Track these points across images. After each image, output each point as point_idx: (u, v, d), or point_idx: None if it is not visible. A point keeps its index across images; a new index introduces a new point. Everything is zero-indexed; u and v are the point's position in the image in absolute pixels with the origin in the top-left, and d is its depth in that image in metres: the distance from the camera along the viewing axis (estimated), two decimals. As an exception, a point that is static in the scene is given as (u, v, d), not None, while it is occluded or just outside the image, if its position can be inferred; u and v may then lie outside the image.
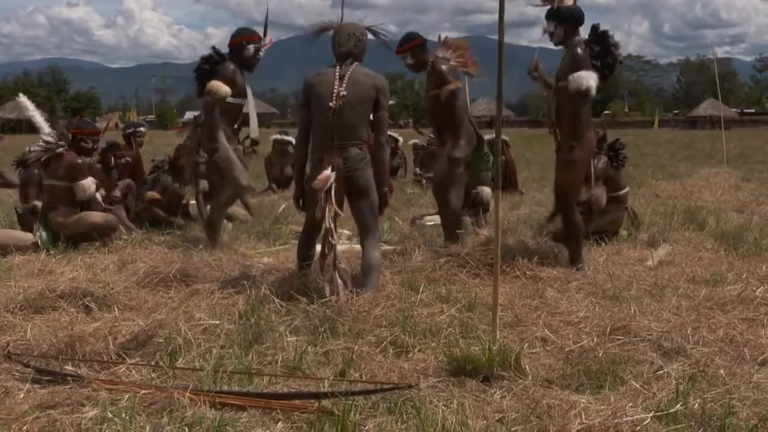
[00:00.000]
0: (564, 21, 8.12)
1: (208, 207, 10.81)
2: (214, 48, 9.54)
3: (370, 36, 7.53)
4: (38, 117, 10.67)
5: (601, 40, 8.08)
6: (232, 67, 9.28)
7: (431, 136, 9.99)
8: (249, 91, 9.58)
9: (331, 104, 6.97)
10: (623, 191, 10.19)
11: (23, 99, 11.18)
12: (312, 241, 7.46)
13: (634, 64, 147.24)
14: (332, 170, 6.89)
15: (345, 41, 7.22)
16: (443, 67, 8.98)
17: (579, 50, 8.01)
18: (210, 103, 9.09)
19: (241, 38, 9.55)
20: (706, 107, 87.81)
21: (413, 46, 9.17)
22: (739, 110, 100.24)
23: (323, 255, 6.95)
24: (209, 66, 9.29)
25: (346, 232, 9.86)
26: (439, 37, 9.51)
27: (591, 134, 8.23)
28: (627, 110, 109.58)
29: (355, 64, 7.18)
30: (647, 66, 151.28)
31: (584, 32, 8.25)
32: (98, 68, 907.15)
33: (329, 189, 6.89)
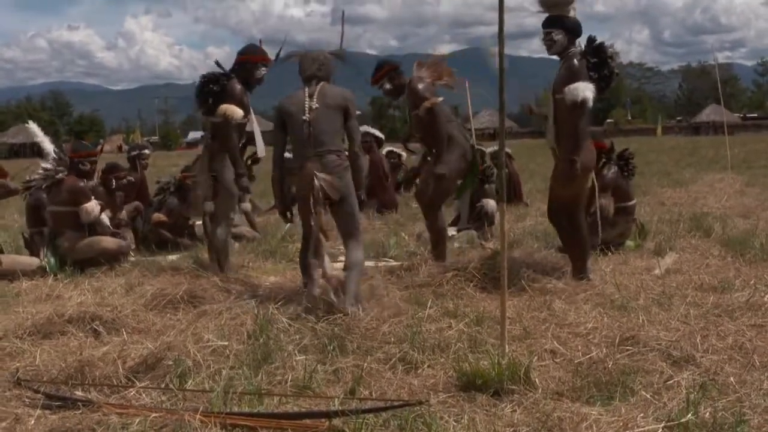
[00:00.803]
0: (568, 31, 8.13)
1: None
2: (217, 63, 9.35)
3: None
4: (47, 143, 10.69)
5: (597, 51, 8.06)
6: (239, 87, 9.10)
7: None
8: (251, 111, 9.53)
9: (304, 117, 7.39)
10: (632, 202, 10.18)
11: (32, 126, 11.20)
12: (309, 251, 7.57)
13: (635, 71, 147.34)
14: (316, 177, 7.21)
15: (309, 66, 7.69)
16: (419, 86, 9.08)
17: (575, 61, 7.98)
18: (225, 127, 9.00)
19: (256, 58, 9.26)
20: (709, 113, 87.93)
21: (387, 71, 9.24)
22: (741, 115, 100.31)
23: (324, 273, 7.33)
24: (218, 86, 9.11)
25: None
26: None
27: (590, 145, 8.22)
28: (630, 118, 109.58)
29: (322, 83, 7.59)
30: (649, 73, 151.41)
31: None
32: (100, 90, 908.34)
33: (317, 197, 7.21)
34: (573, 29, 8.15)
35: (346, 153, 7.54)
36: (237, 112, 8.93)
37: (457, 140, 9.09)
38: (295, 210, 7.86)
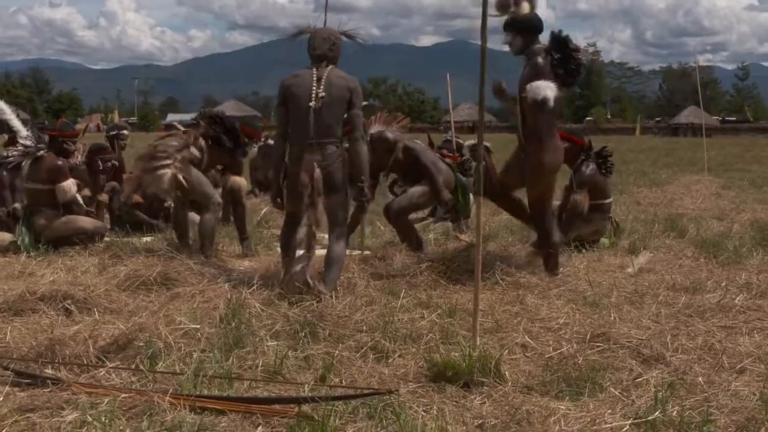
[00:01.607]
0: (521, 30, 8.13)
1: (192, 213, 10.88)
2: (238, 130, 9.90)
3: (347, 40, 7.80)
4: (15, 120, 10.60)
5: (560, 46, 8.04)
6: (241, 157, 10.20)
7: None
8: None
9: (311, 105, 7.29)
10: (608, 200, 10.22)
11: (0, 103, 11.11)
12: (293, 233, 7.64)
13: (616, 70, 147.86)
14: (317, 168, 7.24)
15: (320, 44, 7.52)
16: (385, 134, 9.43)
17: (539, 59, 7.96)
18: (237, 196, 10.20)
19: (250, 133, 10.06)
20: (688, 115, 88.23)
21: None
22: (720, 118, 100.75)
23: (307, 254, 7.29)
24: (238, 145, 9.81)
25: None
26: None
27: (557, 143, 8.21)
28: (609, 117, 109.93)
29: (330, 66, 7.49)
30: (629, 73, 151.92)
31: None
32: (80, 69, 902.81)
33: (316, 188, 7.22)
34: (526, 27, 8.15)
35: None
36: (244, 186, 10.40)
37: (439, 166, 9.22)
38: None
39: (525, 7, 8.21)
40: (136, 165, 9.45)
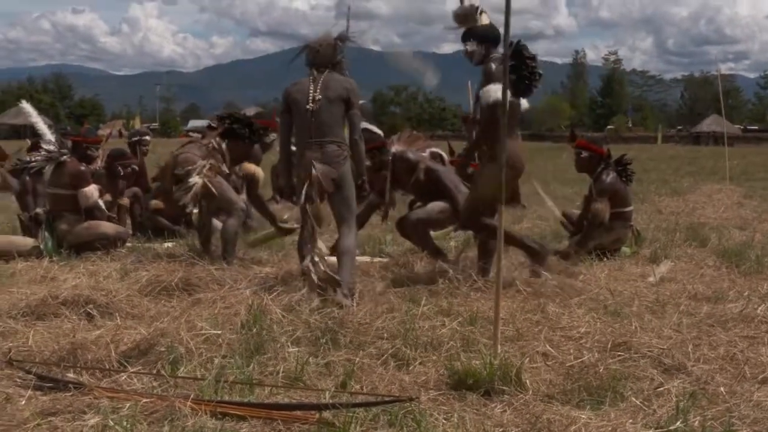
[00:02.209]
0: (481, 40, 8.15)
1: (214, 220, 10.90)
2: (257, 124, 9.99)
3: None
4: (41, 123, 10.69)
5: (516, 53, 7.99)
6: (260, 149, 10.16)
7: None
8: None
9: (308, 107, 7.61)
10: (629, 208, 10.18)
11: (26, 105, 11.18)
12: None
13: (638, 79, 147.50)
14: (313, 166, 7.49)
15: (314, 53, 7.88)
16: (407, 154, 9.43)
17: (492, 65, 7.96)
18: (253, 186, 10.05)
19: (270, 124, 10.21)
20: (710, 123, 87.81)
21: (371, 148, 9.25)
22: (742, 127, 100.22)
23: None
24: (254, 136, 9.85)
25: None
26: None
27: (513, 151, 8.04)
28: (630, 125, 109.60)
29: (327, 71, 7.82)
30: (651, 81, 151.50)
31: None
32: (102, 75, 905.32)
33: (312, 186, 7.49)
34: (485, 37, 8.15)
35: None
36: (262, 176, 10.10)
37: (460, 187, 9.19)
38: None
39: (484, 19, 8.25)
40: (163, 176, 9.52)
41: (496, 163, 7.91)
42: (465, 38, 8.25)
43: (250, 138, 9.76)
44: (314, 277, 7.27)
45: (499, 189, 8.11)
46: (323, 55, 7.83)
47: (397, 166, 9.21)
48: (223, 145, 9.46)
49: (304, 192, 7.52)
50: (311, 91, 7.64)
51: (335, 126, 7.67)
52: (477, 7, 8.28)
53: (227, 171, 9.52)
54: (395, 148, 9.42)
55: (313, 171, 7.43)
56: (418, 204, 9.76)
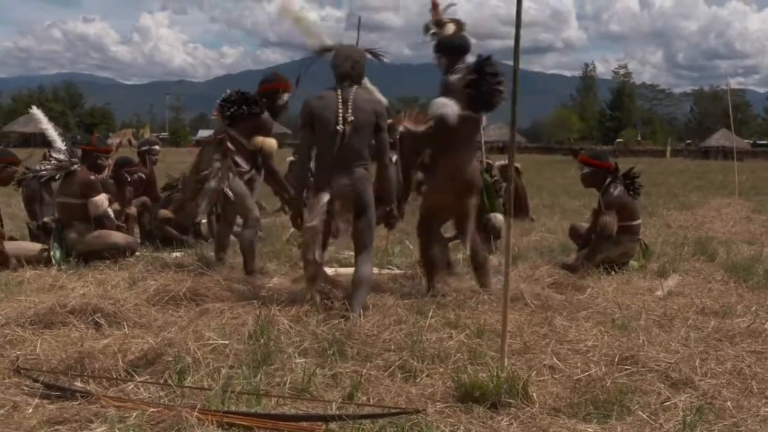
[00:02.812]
0: (444, 52, 8.16)
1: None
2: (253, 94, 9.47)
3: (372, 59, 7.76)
4: (51, 131, 10.70)
5: (477, 67, 7.93)
6: (270, 119, 9.41)
7: None
8: None
9: (338, 128, 7.18)
10: (637, 222, 10.16)
11: (36, 112, 11.18)
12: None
13: (647, 92, 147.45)
14: (333, 193, 7.19)
15: (342, 62, 7.44)
16: (417, 129, 9.12)
17: (451, 77, 7.96)
18: (267, 158, 9.40)
19: (277, 85, 9.50)
20: (719, 138, 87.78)
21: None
22: (751, 141, 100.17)
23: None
24: (258, 110, 9.29)
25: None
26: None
27: (456, 164, 8.02)
28: (639, 139, 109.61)
29: (355, 87, 7.40)
30: (661, 95, 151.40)
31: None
32: (113, 84, 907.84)
33: (326, 210, 7.20)
34: (446, 48, 8.16)
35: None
36: (274, 146, 9.32)
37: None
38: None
39: (450, 29, 8.28)
40: (185, 185, 9.51)
41: (436, 175, 7.95)
42: (434, 49, 8.28)
43: (252, 113, 9.28)
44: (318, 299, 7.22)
45: (439, 201, 8.12)
46: (358, 69, 7.48)
47: (405, 145, 9.10)
48: (233, 133, 9.22)
49: (320, 214, 7.19)
50: (341, 111, 7.22)
51: (363, 149, 7.33)
52: (438, 20, 8.33)
53: (246, 167, 9.33)
54: (402, 126, 9.34)
55: (340, 197, 7.17)
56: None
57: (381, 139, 7.43)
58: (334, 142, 7.21)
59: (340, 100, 7.25)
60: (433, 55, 8.26)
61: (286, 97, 9.48)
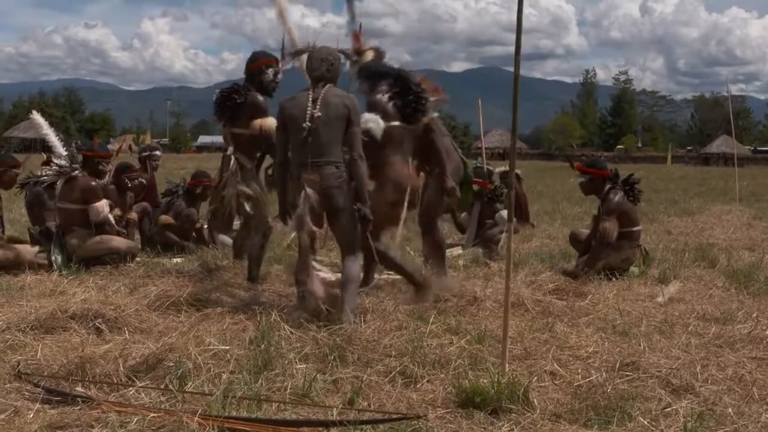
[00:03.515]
0: (366, 77, 8.41)
1: (221, 235, 10.95)
2: (235, 83, 9.35)
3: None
4: (52, 136, 10.69)
5: (400, 80, 8.17)
6: (260, 97, 9.17)
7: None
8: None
9: (305, 125, 7.19)
10: (637, 228, 10.15)
11: (37, 117, 11.16)
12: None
13: (648, 99, 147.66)
14: (310, 188, 7.14)
15: (318, 66, 7.46)
16: None
17: (377, 96, 8.17)
18: (259, 139, 9.13)
19: (261, 62, 9.33)
20: (720, 144, 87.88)
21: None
22: (752, 148, 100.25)
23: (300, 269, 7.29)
24: (241, 98, 9.15)
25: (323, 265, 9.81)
26: None
27: (398, 172, 8.13)
28: (640, 145, 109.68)
29: (328, 86, 7.41)
30: (661, 102, 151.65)
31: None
32: (113, 90, 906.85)
33: (307, 209, 7.13)
34: (367, 74, 8.40)
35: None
36: (272, 124, 8.97)
37: (452, 155, 9.08)
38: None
39: (368, 55, 8.61)
40: (215, 198, 9.47)
41: (377, 185, 8.04)
42: (356, 75, 8.54)
43: (237, 104, 9.15)
44: (314, 303, 7.11)
45: (387, 210, 8.15)
46: (334, 71, 7.52)
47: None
48: (236, 131, 9.15)
49: (296, 216, 7.22)
50: (309, 108, 7.25)
51: (334, 146, 7.27)
52: (357, 48, 8.65)
53: (249, 165, 9.26)
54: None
55: (305, 193, 7.13)
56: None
57: (351, 133, 7.32)
58: (303, 140, 7.22)
59: (311, 99, 7.31)
60: (356, 81, 8.51)
61: (271, 71, 9.31)
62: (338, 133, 7.29)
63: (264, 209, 9.15)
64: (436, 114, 8.98)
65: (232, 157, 9.04)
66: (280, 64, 9.35)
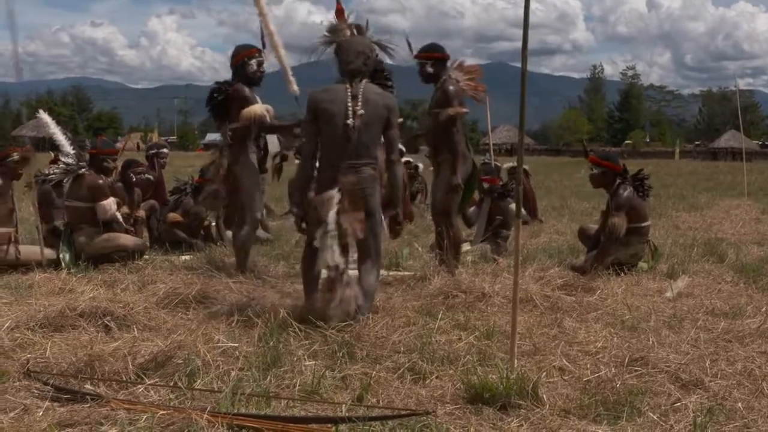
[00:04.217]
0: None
1: (228, 232, 10.95)
2: (216, 82, 9.58)
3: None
4: (59, 135, 10.69)
5: (376, 73, 8.13)
6: (245, 88, 9.28)
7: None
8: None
9: (348, 122, 6.87)
10: (646, 223, 10.12)
11: (44, 115, 11.15)
12: (315, 260, 7.08)
13: (655, 94, 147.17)
14: (342, 190, 6.85)
15: (354, 58, 7.18)
16: (450, 88, 9.03)
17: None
18: (260, 124, 9.23)
19: (242, 55, 9.47)
20: (728, 139, 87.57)
21: (437, 57, 9.26)
22: (760, 142, 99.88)
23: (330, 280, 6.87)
24: (222, 94, 9.26)
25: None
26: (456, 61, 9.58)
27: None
28: (648, 140, 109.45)
29: (365, 81, 7.13)
30: (669, 96, 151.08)
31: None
32: (121, 88, 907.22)
33: (338, 210, 6.81)
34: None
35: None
36: (258, 110, 9.15)
37: (463, 152, 9.09)
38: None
39: (346, 32, 8.51)
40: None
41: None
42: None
43: (220, 101, 9.35)
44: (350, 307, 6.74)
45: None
46: (370, 64, 7.30)
47: (438, 87, 9.13)
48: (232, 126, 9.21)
49: (331, 217, 6.73)
50: (350, 105, 6.89)
51: (372, 147, 6.98)
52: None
53: (255, 150, 9.35)
54: (453, 72, 9.32)
55: (353, 195, 6.81)
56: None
57: (390, 135, 7.09)
58: (343, 139, 6.89)
59: (350, 94, 6.97)
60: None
61: (254, 62, 9.45)
62: (378, 133, 7.05)
63: (248, 200, 9.17)
64: (466, 110, 9.05)
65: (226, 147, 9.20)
66: (262, 54, 9.47)
